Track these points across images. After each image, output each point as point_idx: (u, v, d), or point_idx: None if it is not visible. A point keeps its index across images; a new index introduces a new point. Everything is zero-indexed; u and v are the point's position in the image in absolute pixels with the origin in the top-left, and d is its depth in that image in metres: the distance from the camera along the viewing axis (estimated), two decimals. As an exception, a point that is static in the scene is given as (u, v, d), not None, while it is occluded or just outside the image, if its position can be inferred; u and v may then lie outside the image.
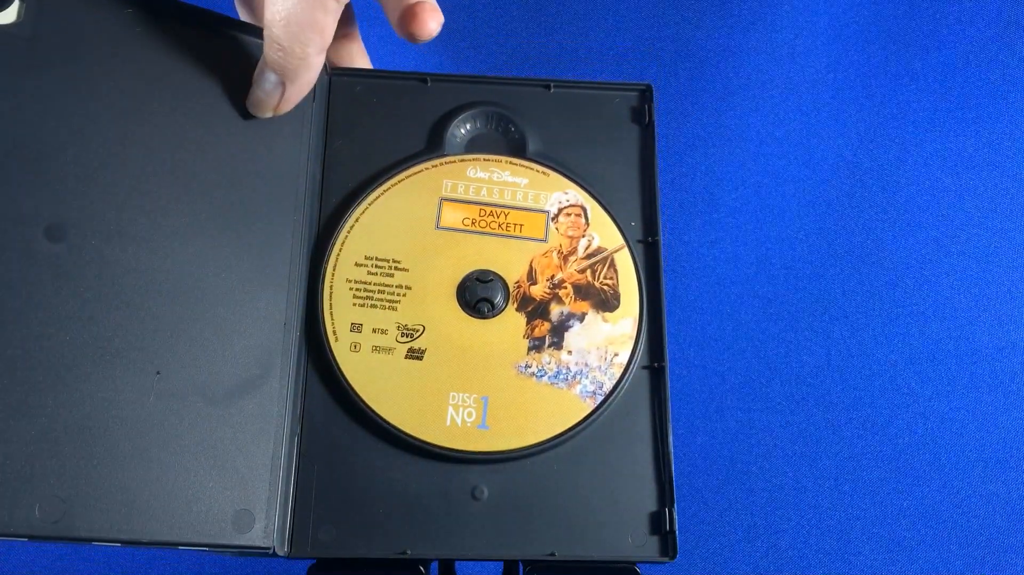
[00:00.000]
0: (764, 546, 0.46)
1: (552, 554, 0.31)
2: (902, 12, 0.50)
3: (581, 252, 0.35)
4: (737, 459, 0.46)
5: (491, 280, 0.34)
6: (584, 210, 0.35)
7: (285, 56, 0.32)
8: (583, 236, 0.35)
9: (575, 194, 0.36)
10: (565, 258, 0.35)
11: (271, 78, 0.33)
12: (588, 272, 0.35)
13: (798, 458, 0.46)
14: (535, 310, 0.34)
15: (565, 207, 0.36)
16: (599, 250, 0.35)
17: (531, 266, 0.35)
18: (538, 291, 0.35)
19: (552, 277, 0.35)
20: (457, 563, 0.36)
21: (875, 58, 0.49)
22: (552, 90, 0.37)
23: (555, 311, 0.34)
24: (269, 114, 0.34)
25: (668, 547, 0.32)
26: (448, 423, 0.32)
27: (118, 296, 0.30)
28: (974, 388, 0.45)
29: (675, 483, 0.32)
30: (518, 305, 0.34)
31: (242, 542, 0.30)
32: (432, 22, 0.35)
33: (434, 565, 0.36)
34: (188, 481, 0.30)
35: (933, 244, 0.47)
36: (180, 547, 0.30)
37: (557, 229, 0.35)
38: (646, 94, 0.37)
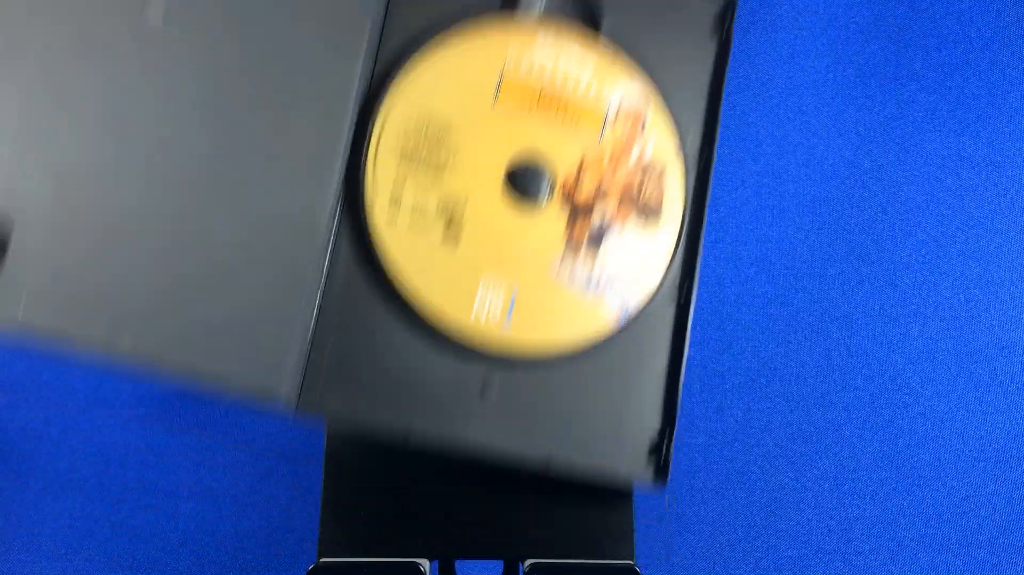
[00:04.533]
0: (764, 546, 0.46)
1: (548, 455, 0.31)
2: (902, 12, 0.50)
3: (633, 161, 0.34)
4: (737, 459, 0.46)
5: (540, 169, 0.33)
6: (643, 118, 0.34)
7: None
8: (636, 143, 0.34)
9: (636, 95, 0.34)
10: (616, 163, 0.33)
11: None
12: (636, 183, 0.34)
13: (798, 458, 0.46)
14: (578, 211, 0.33)
15: (624, 111, 0.34)
16: (651, 163, 0.34)
17: (581, 164, 0.33)
18: (584, 193, 0.33)
19: (600, 181, 0.33)
20: (457, 563, 0.36)
21: (875, 58, 0.49)
22: None
23: (597, 216, 0.33)
24: None
25: (661, 474, 0.31)
26: (473, 316, 0.31)
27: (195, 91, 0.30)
28: (974, 388, 0.45)
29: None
30: (562, 202, 0.33)
31: (257, 384, 0.30)
32: None
33: (434, 565, 0.36)
34: (225, 315, 0.30)
35: (933, 244, 0.47)
36: (204, 379, 0.30)
37: (613, 132, 0.33)
38: (730, 8, 0.36)
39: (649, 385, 0.32)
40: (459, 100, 0.33)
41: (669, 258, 0.33)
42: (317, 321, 0.32)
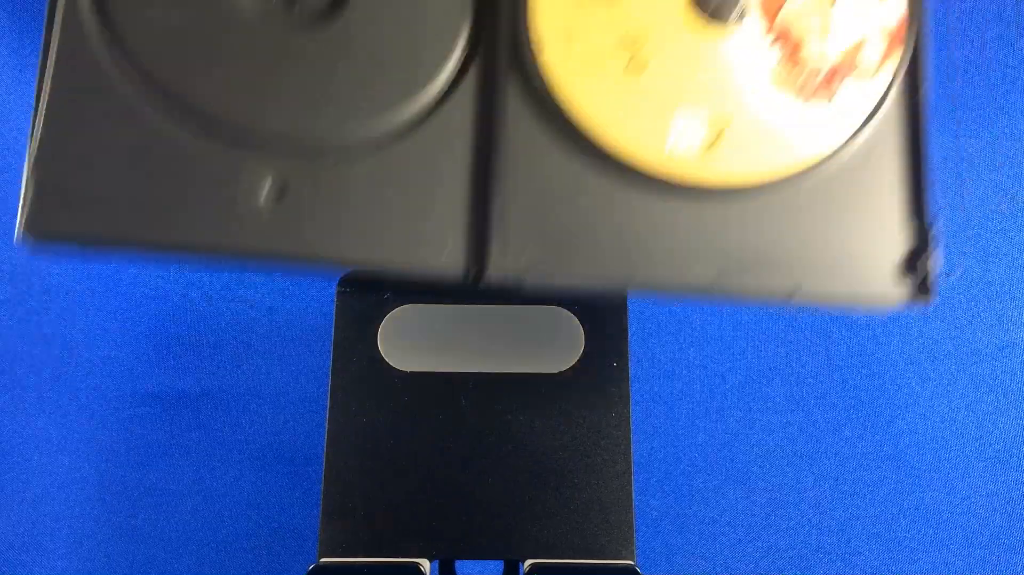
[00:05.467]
0: (764, 546, 0.46)
1: (797, 287, 0.28)
2: (902, 12, 0.50)
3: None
4: (737, 459, 0.46)
5: None
6: None
7: None
8: None
9: None
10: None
11: None
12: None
13: (798, 458, 0.46)
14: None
15: None
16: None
17: None
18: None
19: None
20: (457, 563, 0.36)
21: (875, 58, 0.49)
22: None
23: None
24: None
25: (923, 290, 0.28)
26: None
27: None
28: (974, 388, 0.45)
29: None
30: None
31: (432, 267, 0.27)
32: None
33: (434, 565, 0.36)
34: (379, 205, 0.28)
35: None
36: (364, 266, 0.27)
37: None
38: None
39: (890, 195, 0.29)
40: None
41: (893, 65, 0.29)
42: (488, 183, 0.28)
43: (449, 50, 0.29)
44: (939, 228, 0.29)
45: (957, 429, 0.45)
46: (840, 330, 0.47)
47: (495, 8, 0.29)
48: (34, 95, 0.28)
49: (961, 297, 0.47)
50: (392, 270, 0.28)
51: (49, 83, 0.28)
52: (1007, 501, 0.44)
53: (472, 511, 0.32)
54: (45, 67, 0.28)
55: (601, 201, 0.28)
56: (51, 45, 0.28)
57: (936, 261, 0.28)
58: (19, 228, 0.27)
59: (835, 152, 0.28)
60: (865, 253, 0.29)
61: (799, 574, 0.45)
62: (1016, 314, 0.46)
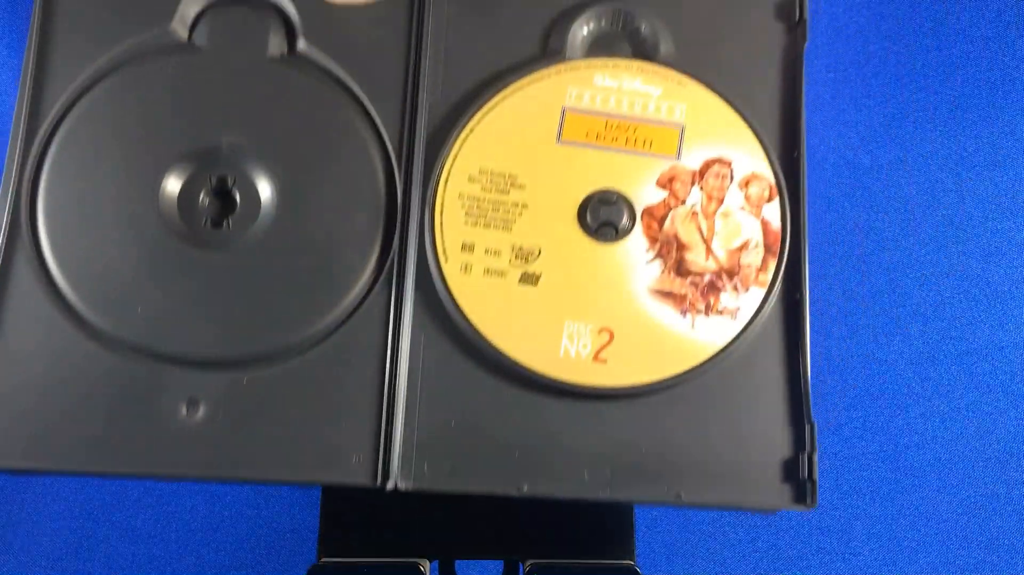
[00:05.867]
0: (764, 546, 0.46)
1: (678, 496, 0.29)
2: (902, 12, 0.50)
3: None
4: (737, 459, 0.46)
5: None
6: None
7: None
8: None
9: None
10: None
11: None
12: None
13: (798, 458, 0.46)
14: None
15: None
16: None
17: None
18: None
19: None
20: (457, 563, 0.36)
21: (875, 58, 0.49)
22: None
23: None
24: None
25: (800, 496, 0.29)
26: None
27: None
28: (974, 388, 0.45)
29: None
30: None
31: (345, 479, 0.29)
32: None
33: (434, 565, 0.36)
34: (291, 420, 0.29)
35: (933, 244, 0.47)
36: (283, 484, 0.29)
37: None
38: None
39: (773, 396, 0.30)
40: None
41: (772, 271, 0.30)
42: (390, 393, 0.30)
43: (360, 268, 0.31)
44: (815, 435, 0.29)
45: (957, 429, 0.45)
46: (840, 330, 0.47)
47: (403, 228, 0.31)
48: None
49: (961, 297, 0.47)
50: (304, 485, 0.29)
51: None
52: (1007, 501, 0.44)
53: (472, 511, 0.32)
54: None
55: (499, 406, 0.30)
56: None
57: (814, 467, 0.29)
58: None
59: (716, 357, 0.30)
60: (746, 459, 0.29)
61: (799, 574, 0.45)
62: (1016, 314, 0.46)
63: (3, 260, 0.30)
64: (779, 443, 0.29)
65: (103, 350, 0.30)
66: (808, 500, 0.29)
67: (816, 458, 0.29)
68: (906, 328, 0.46)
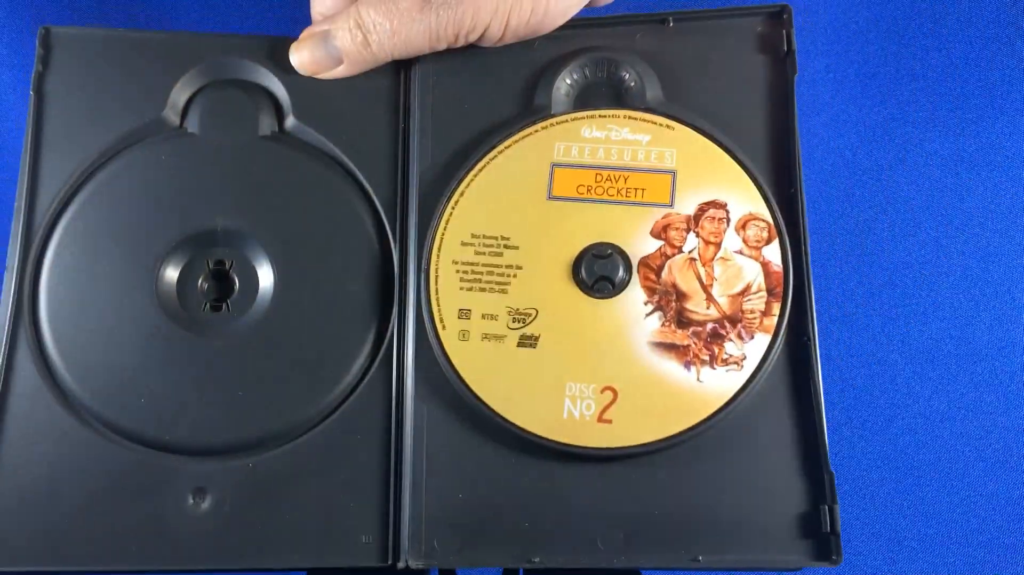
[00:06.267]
0: (764, 546, 0.46)
1: (696, 560, 0.27)
2: (902, 12, 0.50)
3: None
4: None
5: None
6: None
7: (366, 53, 0.31)
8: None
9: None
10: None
11: (333, 52, 0.31)
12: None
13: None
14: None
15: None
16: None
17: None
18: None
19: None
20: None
21: (875, 58, 0.49)
22: (671, 24, 0.32)
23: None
24: (306, 73, 0.32)
25: (823, 552, 0.28)
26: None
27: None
28: (974, 388, 0.45)
29: None
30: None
31: (354, 562, 0.28)
32: None
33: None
34: (298, 504, 0.29)
35: (933, 244, 0.47)
36: (294, 570, 0.29)
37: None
38: (781, 17, 0.32)
39: (783, 451, 0.28)
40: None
41: (777, 315, 0.29)
42: (396, 470, 0.29)
43: (359, 342, 0.30)
44: (834, 485, 0.27)
45: (957, 429, 0.45)
46: (840, 330, 0.47)
47: (401, 299, 0.31)
48: None
49: (961, 296, 0.47)
50: (316, 568, 0.28)
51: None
52: (1007, 501, 0.44)
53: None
54: None
55: (506, 476, 0.29)
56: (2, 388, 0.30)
57: (836, 520, 0.27)
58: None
59: (724, 409, 0.28)
60: (764, 515, 0.28)
61: (799, 574, 0.45)
62: (1016, 314, 0.46)
63: (6, 357, 0.30)
64: (797, 496, 0.28)
65: (107, 442, 0.29)
66: (833, 556, 0.27)
67: (838, 510, 0.27)
68: (906, 328, 0.46)
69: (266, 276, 0.31)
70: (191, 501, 0.29)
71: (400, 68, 0.33)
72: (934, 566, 0.44)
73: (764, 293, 0.29)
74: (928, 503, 0.45)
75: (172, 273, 0.31)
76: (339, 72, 0.32)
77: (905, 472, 0.45)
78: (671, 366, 0.29)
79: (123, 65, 0.33)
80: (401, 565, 0.28)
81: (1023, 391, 0.45)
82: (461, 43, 0.31)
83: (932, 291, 0.47)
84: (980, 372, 0.46)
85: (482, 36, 0.31)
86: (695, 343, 0.29)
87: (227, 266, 0.31)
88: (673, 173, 0.30)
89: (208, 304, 0.31)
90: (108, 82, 0.32)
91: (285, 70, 0.33)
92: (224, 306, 0.31)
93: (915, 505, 0.44)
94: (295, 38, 0.33)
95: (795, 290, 0.29)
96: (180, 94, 0.33)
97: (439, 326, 0.30)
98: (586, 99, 0.32)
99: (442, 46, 0.31)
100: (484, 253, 0.30)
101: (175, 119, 0.33)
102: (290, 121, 0.33)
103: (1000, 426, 0.45)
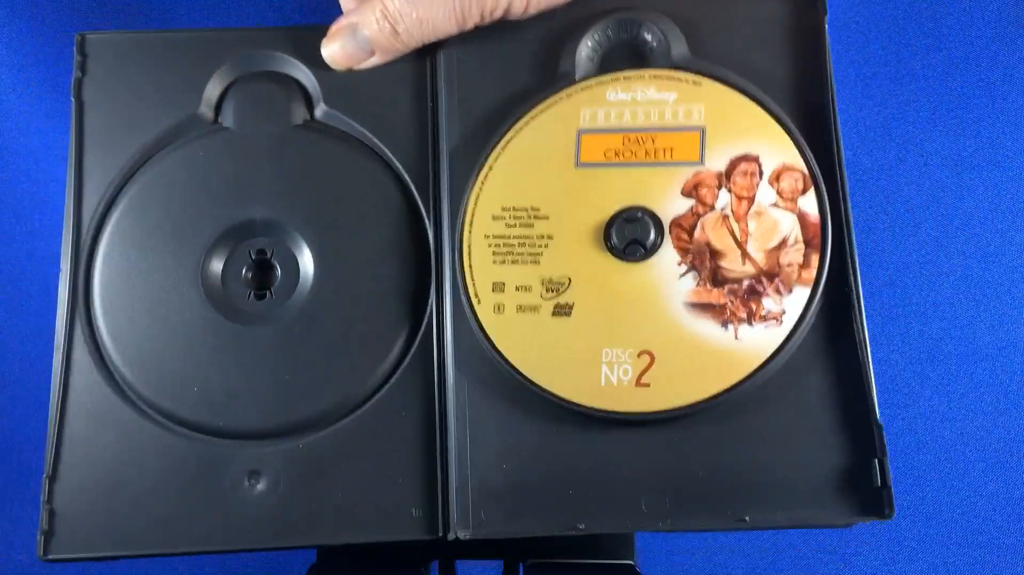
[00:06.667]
0: (764, 545, 0.46)
1: (743, 520, 0.27)
2: (902, 12, 0.50)
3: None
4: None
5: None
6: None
7: (395, 42, 0.31)
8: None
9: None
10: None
11: (363, 44, 0.32)
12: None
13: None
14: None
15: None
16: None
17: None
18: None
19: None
20: (457, 563, 0.36)
21: (875, 58, 0.49)
22: None
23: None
24: (338, 66, 0.33)
25: (874, 506, 0.27)
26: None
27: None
28: (974, 388, 0.45)
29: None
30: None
31: (406, 535, 0.29)
32: None
33: (434, 565, 0.36)
34: (348, 481, 0.30)
35: (933, 244, 0.47)
36: (348, 544, 0.30)
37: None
38: None
39: (828, 405, 0.28)
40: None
41: (816, 267, 0.28)
42: (443, 444, 0.30)
43: (400, 321, 0.31)
44: (883, 437, 0.26)
45: (957, 429, 0.45)
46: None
47: (438, 276, 0.31)
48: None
49: (961, 297, 0.47)
50: (368, 542, 0.29)
51: (58, 415, 0.30)
52: (1007, 501, 0.44)
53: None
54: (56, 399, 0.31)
55: (547, 444, 0.29)
56: (57, 387, 0.31)
57: (887, 473, 0.26)
58: (38, 551, 0.29)
59: (764, 366, 0.28)
60: (810, 472, 0.27)
61: (799, 574, 0.45)
62: (1016, 314, 0.46)
63: (65, 355, 0.31)
64: (843, 450, 0.27)
65: (164, 431, 0.30)
66: (886, 510, 0.27)
67: (888, 462, 0.26)
68: (906, 328, 0.46)
69: (306, 262, 0.32)
70: (247, 483, 0.30)
71: (426, 53, 0.33)
72: (934, 566, 0.44)
73: (801, 244, 0.29)
74: (928, 503, 0.45)
75: (216, 265, 0.32)
76: (372, 63, 0.33)
77: (905, 472, 0.45)
78: (708, 326, 0.28)
79: (157, 66, 0.33)
80: (451, 537, 0.29)
81: (1023, 391, 0.45)
82: (488, 20, 0.31)
83: (932, 291, 0.47)
84: (980, 372, 0.46)
85: (507, 10, 0.31)
86: (732, 301, 0.28)
87: (268, 255, 0.32)
88: (702, 130, 0.30)
89: (252, 293, 0.32)
90: (144, 83, 0.33)
91: (312, 60, 0.33)
92: (268, 294, 0.32)
93: (915, 505, 0.44)
94: (319, 26, 0.33)
95: (835, 239, 0.29)
96: (213, 90, 0.33)
97: (474, 301, 0.30)
98: (610, 62, 0.31)
99: (469, 26, 0.31)
100: (515, 225, 0.30)
101: (210, 115, 0.33)
102: (320, 109, 0.33)
103: (1000, 426, 0.45)
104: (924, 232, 0.48)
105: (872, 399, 0.27)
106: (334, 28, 0.33)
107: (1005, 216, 0.47)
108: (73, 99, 0.33)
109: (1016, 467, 0.45)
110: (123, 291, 0.31)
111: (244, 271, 0.32)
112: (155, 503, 0.29)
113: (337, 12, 0.33)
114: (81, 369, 0.31)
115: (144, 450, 0.30)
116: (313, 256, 0.32)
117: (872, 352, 0.46)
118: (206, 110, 0.33)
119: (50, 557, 0.29)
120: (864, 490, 0.27)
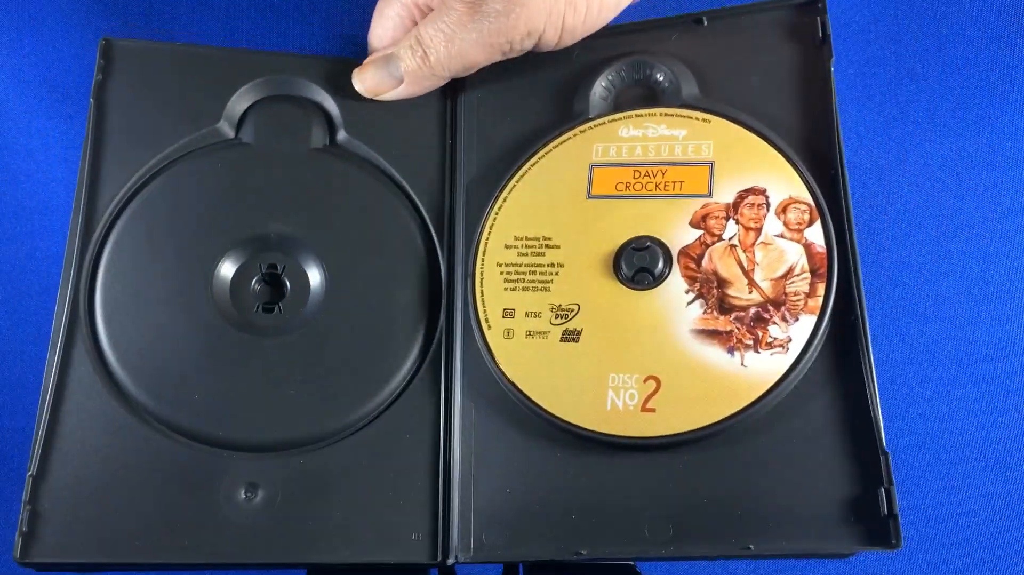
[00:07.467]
0: (764, 546, 0.46)
1: (748, 548, 0.26)
2: (902, 12, 0.50)
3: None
4: (737, 459, 0.46)
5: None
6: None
7: (427, 72, 0.32)
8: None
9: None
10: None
11: (395, 72, 0.32)
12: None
13: (798, 458, 0.46)
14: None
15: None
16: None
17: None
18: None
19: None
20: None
21: (875, 58, 0.49)
22: (706, 23, 0.32)
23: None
24: (368, 94, 0.34)
25: (880, 536, 0.27)
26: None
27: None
28: (974, 388, 0.45)
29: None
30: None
31: (404, 559, 0.29)
32: None
33: (433, 571, 0.36)
34: (348, 501, 0.29)
35: (933, 244, 0.47)
36: (344, 564, 0.29)
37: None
38: (816, 6, 0.32)
39: (834, 432, 0.27)
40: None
41: (822, 295, 0.28)
42: (446, 466, 0.30)
43: (408, 345, 0.31)
44: (890, 466, 0.26)
45: (957, 429, 0.45)
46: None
47: (449, 302, 0.31)
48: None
49: (961, 297, 0.47)
50: (364, 563, 0.29)
51: (48, 413, 0.29)
52: (1007, 501, 0.44)
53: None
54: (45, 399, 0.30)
55: (552, 469, 0.29)
56: (49, 379, 0.30)
57: (894, 502, 0.26)
58: (15, 554, 0.28)
59: (770, 392, 0.28)
60: (816, 499, 0.27)
61: (799, 574, 0.45)
62: (1016, 314, 0.46)
63: (62, 353, 0.30)
64: (849, 478, 0.27)
65: (161, 438, 0.30)
66: (892, 539, 0.26)
67: (895, 491, 0.26)
68: (906, 328, 0.46)
69: (317, 280, 0.32)
70: (243, 496, 0.29)
71: (448, 94, 0.34)
72: (934, 566, 0.44)
73: (808, 274, 0.29)
74: (928, 504, 0.45)
75: (226, 275, 0.32)
76: (400, 92, 0.33)
77: (905, 473, 0.45)
78: (714, 352, 0.28)
79: (182, 78, 0.34)
80: (451, 561, 0.29)
81: (1023, 391, 0.45)
82: (517, 51, 0.31)
83: (932, 291, 0.47)
84: (980, 372, 0.46)
85: (538, 42, 0.31)
86: (738, 328, 0.29)
87: (280, 270, 0.32)
88: (711, 164, 0.30)
89: (260, 306, 0.32)
90: (166, 93, 0.34)
91: (339, 89, 0.34)
92: (276, 308, 0.32)
93: (914, 506, 0.44)
94: (347, 59, 0.34)
95: (840, 268, 0.29)
96: (236, 107, 0.34)
97: (484, 326, 0.30)
98: (622, 101, 0.32)
99: (498, 56, 0.31)
100: (527, 254, 0.31)
101: (230, 131, 0.34)
102: (341, 135, 0.34)
103: (1000, 426, 0.45)
104: (924, 232, 0.48)
105: (879, 427, 0.27)
106: (368, 60, 0.33)
107: (1005, 216, 0.47)
108: (92, 100, 0.33)
109: (1016, 467, 0.45)
110: (128, 294, 0.31)
111: (254, 283, 0.32)
112: (145, 510, 0.29)
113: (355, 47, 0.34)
114: (79, 369, 0.30)
115: (138, 455, 0.29)
116: (324, 275, 0.32)
117: (872, 352, 0.46)
118: (227, 125, 0.33)
119: (28, 561, 0.28)
120: (870, 519, 0.27)
